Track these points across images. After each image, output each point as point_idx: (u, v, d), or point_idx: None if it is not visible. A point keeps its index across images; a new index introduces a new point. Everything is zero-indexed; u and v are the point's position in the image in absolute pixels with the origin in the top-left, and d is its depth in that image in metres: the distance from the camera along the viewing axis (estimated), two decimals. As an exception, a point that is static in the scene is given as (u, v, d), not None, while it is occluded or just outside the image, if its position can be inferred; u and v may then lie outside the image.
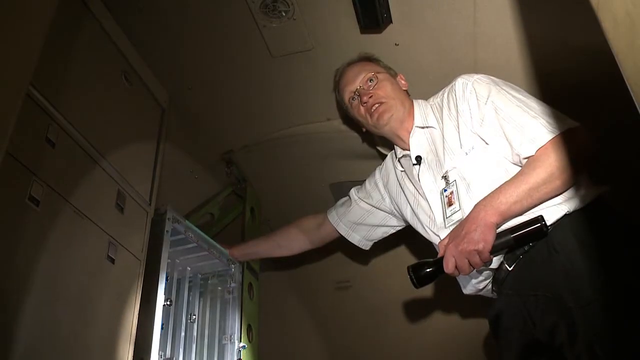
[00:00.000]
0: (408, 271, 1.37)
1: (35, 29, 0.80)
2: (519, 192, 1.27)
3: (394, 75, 1.73)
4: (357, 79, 1.66)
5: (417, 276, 1.36)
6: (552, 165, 1.25)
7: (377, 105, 1.61)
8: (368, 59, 1.74)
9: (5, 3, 0.74)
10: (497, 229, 1.28)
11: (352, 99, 1.68)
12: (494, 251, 1.27)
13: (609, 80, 0.93)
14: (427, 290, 2.47)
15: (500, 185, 1.31)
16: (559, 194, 1.29)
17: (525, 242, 1.28)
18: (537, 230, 1.24)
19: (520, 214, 1.29)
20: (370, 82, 1.65)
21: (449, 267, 1.29)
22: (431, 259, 1.37)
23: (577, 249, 1.23)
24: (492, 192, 1.31)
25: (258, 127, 2.12)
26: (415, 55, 1.79)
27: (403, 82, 1.73)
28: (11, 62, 0.74)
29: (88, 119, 1.36)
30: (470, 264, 1.27)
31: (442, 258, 1.32)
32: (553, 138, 1.28)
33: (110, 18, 1.58)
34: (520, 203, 1.27)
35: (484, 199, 1.31)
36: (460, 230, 1.30)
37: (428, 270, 1.35)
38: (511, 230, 1.27)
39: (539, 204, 1.28)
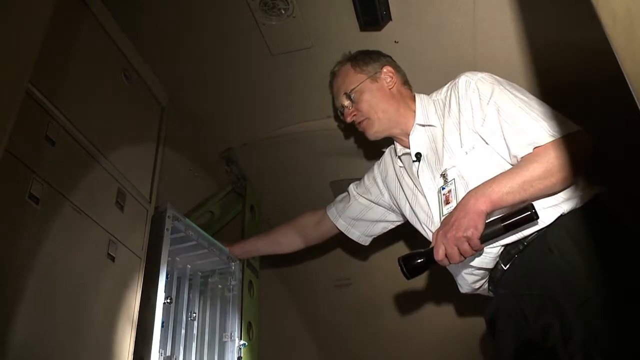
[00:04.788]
0: (399, 262, 1.35)
1: (34, 26, 0.80)
2: (512, 184, 1.26)
3: (376, 75, 1.65)
4: (339, 97, 1.69)
5: (408, 267, 1.34)
6: (549, 162, 1.25)
7: (360, 121, 1.65)
8: (349, 63, 1.69)
9: (4, 1, 0.74)
10: (488, 218, 1.27)
11: (341, 113, 1.70)
12: (484, 239, 1.26)
13: (608, 77, 0.93)
14: (427, 289, 2.48)
15: (495, 176, 1.30)
16: (554, 193, 1.29)
17: (515, 229, 1.27)
18: (528, 217, 1.23)
19: (512, 205, 1.27)
20: (350, 100, 1.65)
21: (439, 254, 1.27)
22: (422, 250, 1.35)
23: (572, 249, 1.23)
24: (486, 181, 1.30)
25: (258, 125, 2.12)
26: (415, 52, 1.79)
27: (390, 78, 1.65)
28: (11, 60, 0.74)
29: (88, 117, 1.36)
30: (460, 252, 1.25)
31: (432, 248, 1.30)
32: (553, 141, 1.27)
33: (110, 16, 1.58)
34: (513, 195, 1.25)
35: (476, 187, 1.30)
36: (450, 217, 1.29)
37: (419, 261, 1.33)
38: (501, 219, 1.26)
39: (532, 200, 1.27)
